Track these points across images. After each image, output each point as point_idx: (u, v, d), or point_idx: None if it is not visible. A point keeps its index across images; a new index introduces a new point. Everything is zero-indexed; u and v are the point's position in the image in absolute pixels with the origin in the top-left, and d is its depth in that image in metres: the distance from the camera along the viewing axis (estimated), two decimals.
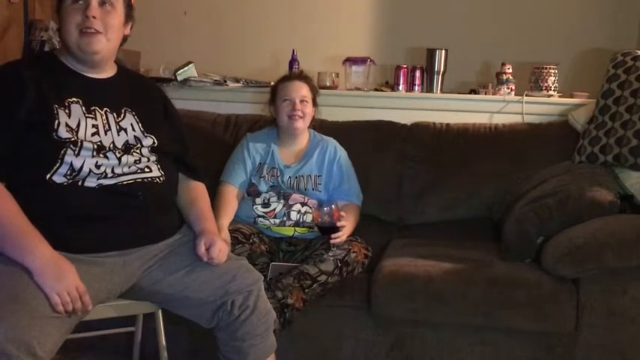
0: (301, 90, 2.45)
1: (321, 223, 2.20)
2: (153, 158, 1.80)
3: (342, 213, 2.23)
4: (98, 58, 1.73)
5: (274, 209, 2.40)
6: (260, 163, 2.47)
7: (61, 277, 1.50)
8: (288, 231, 2.38)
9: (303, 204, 2.41)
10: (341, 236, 2.21)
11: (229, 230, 2.23)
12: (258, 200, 2.41)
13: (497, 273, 2.08)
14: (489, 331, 2.07)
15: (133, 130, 1.78)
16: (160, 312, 1.88)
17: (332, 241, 2.19)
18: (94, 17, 1.68)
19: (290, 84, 2.47)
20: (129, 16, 1.80)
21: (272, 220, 2.38)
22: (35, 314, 1.42)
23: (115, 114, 1.76)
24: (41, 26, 2.99)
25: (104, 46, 1.72)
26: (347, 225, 2.24)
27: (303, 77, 2.51)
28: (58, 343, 1.48)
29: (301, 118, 2.42)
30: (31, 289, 1.47)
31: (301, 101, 2.43)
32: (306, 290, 2.09)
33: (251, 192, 2.45)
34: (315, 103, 2.51)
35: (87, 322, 1.69)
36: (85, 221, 1.63)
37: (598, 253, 1.95)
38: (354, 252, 2.20)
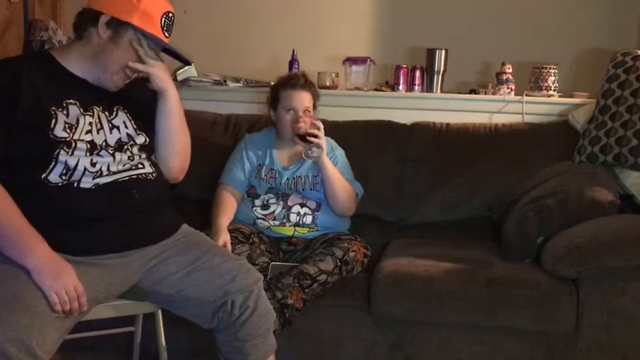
0: (305, 100, 2.41)
1: (297, 130, 2.33)
2: (143, 156, 1.80)
3: (319, 124, 2.32)
4: (114, 89, 1.79)
5: (273, 211, 2.39)
6: (259, 165, 2.47)
7: (60, 277, 1.50)
8: (288, 231, 2.38)
9: (303, 205, 2.41)
10: (319, 143, 2.29)
11: (229, 230, 2.23)
12: (258, 202, 2.41)
13: (497, 273, 2.08)
14: (489, 331, 2.07)
15: (126, 127, 1.78)
16: (159, 312, 1.88)
17: (310, 145, 2.29)
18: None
19: (294, 94, 2.41)
20: None
21: (271, 222, 2.38)
22: (34, 314, 1.43)
23: (107, 112, 1.76)
24: (41, 26, 2.99)
25: (125, 84, 1.81)
26: (323, 138, 2.31)
27: (307, 85, 2.45)
28: (57, 343, 1.49)
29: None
30: (30, 289, 1.47)
31: (304, 111, 2.41)
32: (306, 290, 2.09)
33: (250, 193, 2.45)
34: (315, 107, 2.50)
35: (87, 322, 1.69)
36: (82, 223, 1.63)
37: (598, 253, 1.94)
38: (353, 251, 2.20)
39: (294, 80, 2.46)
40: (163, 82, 1.81)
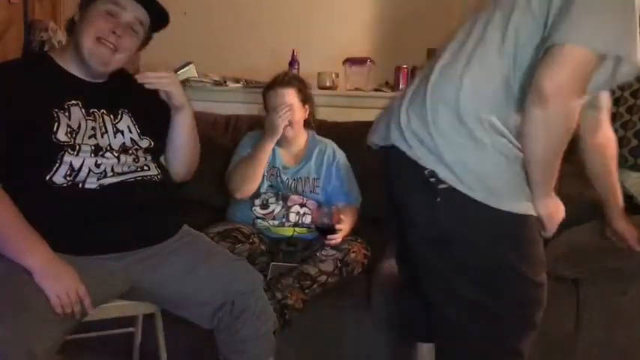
0: (285, 96, 2.41)
1: (318, 223, 2.21)
2: (149, 158, 1.80)
3: (342, 216, 2.23)
4: (103, 70, 1.74)
5: (273, 210, 2.39)
6: None
7: (61, 279, 1.50)
8: (288, 231, 2.38)
9: (302, 205, 2.41)
10: (336, 238, 2.20)
11: (228, 229, 2.23)
12: (257, 201, 2.41)
13: None
14: None
15: (130, 132, 1.78)
16: (159, 312, 1.88)
17: (327, 242, 2.19)
18: (119, 36, 1.70)
19: (274, 93, 2.43)
20: (143, 44, 1.85)
21: (271, 222, 2.38)
22: (34, 315, 1.42)
23: (111, 115, 1.76)
24: (41, 26, 2.99)
25: (111, 61, 1.73)
26: (344, 227, 2.24)
27: (286, 82, 2.44)
28: (57, 344, 1.48)
29: (288, 126, 2.41)
30: (31, 290, 1.46)
31: (288, 106, 2.39)
32: (306, 291, 2.09)
33: None
34: (307, 101, 2.49)
35: (87, 322, 1.68)
36: (84, 223, 1.62)
37: (598, 253, 1.95)
38: (353, 252, 2.20)
39: (275, 80, 2.47)
40: (182, 98, 1.82)
